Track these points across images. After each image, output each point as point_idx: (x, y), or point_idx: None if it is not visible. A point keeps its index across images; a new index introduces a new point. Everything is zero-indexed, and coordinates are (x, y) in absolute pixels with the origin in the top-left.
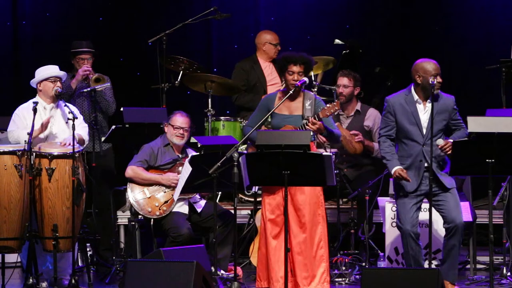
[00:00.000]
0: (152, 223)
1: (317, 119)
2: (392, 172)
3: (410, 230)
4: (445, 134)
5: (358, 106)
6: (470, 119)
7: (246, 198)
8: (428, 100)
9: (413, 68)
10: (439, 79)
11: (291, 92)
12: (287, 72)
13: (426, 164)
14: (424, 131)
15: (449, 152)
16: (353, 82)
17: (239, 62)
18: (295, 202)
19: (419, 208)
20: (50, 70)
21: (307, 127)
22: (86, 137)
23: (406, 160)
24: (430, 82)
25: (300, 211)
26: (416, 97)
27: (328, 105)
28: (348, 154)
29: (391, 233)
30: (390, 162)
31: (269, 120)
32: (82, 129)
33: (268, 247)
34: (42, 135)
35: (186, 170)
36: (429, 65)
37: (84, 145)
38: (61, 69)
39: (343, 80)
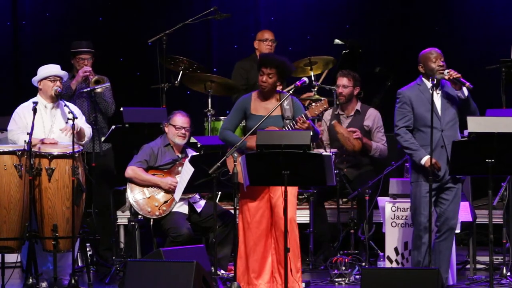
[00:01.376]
0: (151, 223)
1: (305, 118)
2: (423, 161)
3: (427, 224)
4: (460, 121)
5: (358, 106)
6: (470, 119)
7: None
8: (439, 88)
9: (418, 61)
10: (439, 62)
11: (291, 92)
12: (259, 72)
13: (445, 150)
14: (440, 115)
15: (457, 76)
16: (352, 82)
17: (239, 61)
18: (277, 209)
19: (435, 201)
20: (50, 69)
21: (297, 126)
22: (88, 132)
23: (428, 148)
24: (435, 75)
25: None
26: (429, 84)
27: (316, 103)
28: (348, 154)
29: (391, 233)
30: (416, 152)
31: (244, 122)
32: (86, 129)
33: (255, 249)
34: (43, 136)
35: (187, 170)
36: (428, 52)
37: (84, 141)
38: (61, 69)
39: (343, 80)
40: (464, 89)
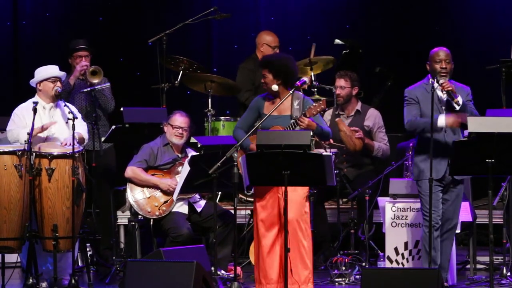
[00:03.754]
0: (151, 223)
1: (305, 118)
2: (442, 122)
3: (439, 224)
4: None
5: (359, 106)
6: (470, 119)
7: (246, 198)
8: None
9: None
10: (443, 64)
11: (291, 92)
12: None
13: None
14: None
15: (449, 89)
16: (350, 83)
17: (242, 62)
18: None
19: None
20: (50, 70)
21: (301, 126)
22: (86, 135)
23: (434, 148)
24: (436, 76)
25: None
26: (436, 84)
27: (314, 104)
28: (348, 153)
29: (391, 233)
30: (433, 119)
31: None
32: (81, 127)
33: (261, 248)
34: (42, 135)
35: (185, 170)
36: (435, 53)
37: (84, 144)
38: (60, 69)
39: (340, 82)
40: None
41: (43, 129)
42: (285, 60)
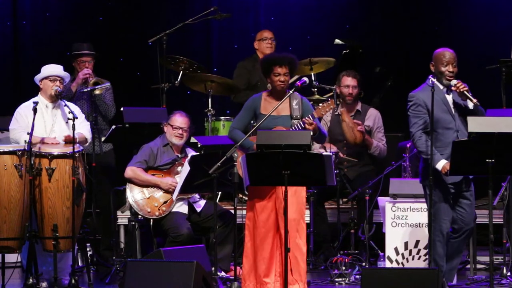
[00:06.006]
0: (151, 223)
1: (312, 119)
2: (441, 167)
3: (447, 231)
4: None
5: (359, 106)
6: (470, 119)
7: (246, 198)
8: (450, 89)
9: (431, 59)
10: (450, 68)
11: (291, 92)
12: (273, 74)
13: None
14: (454, 115)
15: (464, 89)
16: (358, 82)
17: (241, 61)
18: (280, 209)
19: (453, 204)
20: (51, 69)
21: (306, 127)
22: (88, 135)
23: (445, 150)
24: (442, 79)
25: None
26: (441, 86)
27: (322, 104)
28: (349, 146)
29: (391, 233)
30: (434, 156)
31: (255, 122)
32: (84, 128)
33: (256, 248)
34: (42, 135)
35: (185, 170)
36: (441, 54)
37: (87, 144)
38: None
39: (352, 81)
40: (469, 102)
41: (43, 142)
42: (296, 59)
